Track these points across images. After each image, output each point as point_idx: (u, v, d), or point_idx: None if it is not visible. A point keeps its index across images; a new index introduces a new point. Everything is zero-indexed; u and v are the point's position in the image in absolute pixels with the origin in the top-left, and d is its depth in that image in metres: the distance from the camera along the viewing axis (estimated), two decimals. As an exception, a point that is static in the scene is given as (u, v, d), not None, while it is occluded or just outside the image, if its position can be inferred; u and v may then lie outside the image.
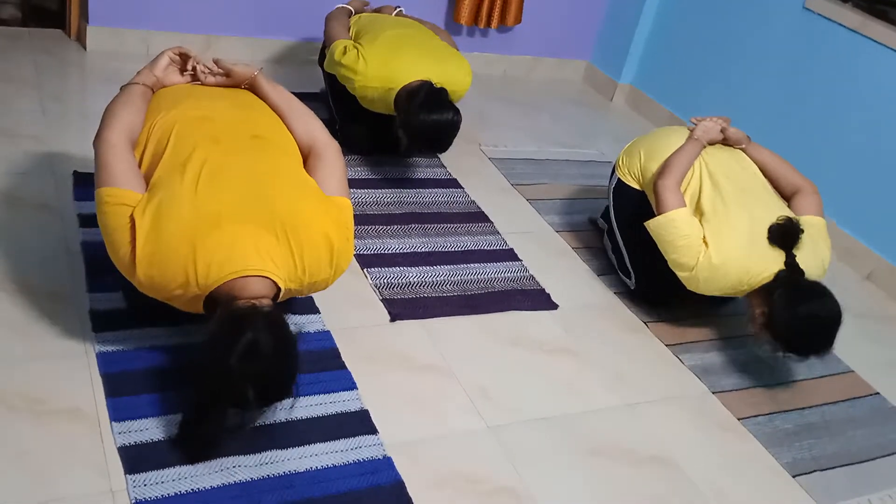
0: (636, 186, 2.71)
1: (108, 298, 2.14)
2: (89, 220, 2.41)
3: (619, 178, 2.77)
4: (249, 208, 1.80)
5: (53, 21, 3.63)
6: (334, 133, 3.16)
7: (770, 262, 2.39)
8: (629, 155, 2.75)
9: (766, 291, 2.39)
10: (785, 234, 2.41)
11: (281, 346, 1.68)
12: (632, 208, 2.71)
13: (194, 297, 1.78)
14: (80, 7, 3.52)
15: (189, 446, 1.78)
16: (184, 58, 2.18)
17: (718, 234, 2.41)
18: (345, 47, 2.92)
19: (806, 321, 2.31)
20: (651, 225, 2.50)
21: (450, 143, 2.87)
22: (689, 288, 2.48)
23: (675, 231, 2.43)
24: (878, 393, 2.59)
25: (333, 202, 1.92)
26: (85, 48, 3.49)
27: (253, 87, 2.19)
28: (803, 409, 2.44)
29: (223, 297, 1.73)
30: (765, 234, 2.42)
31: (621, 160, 2.78)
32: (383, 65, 2.86)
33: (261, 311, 1.69)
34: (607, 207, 2.83)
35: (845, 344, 2.77)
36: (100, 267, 2.22)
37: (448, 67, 2.96)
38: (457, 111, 2.82)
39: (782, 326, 2.33)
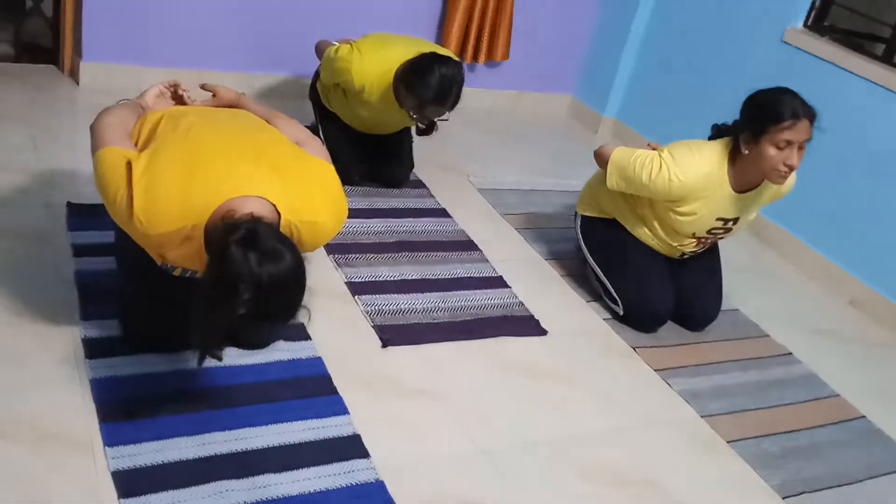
0: (595, 214, 2.82)
1: (102, 326, 2.15)
2: (83, 250, 2.43)
3: (581, 216, 2.87)
4: (242, 147, 1.85)
5: (46, 57, 3.68)
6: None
7: None
8: (586, 192, 2.88)
9: None
10: None
11: (291, 250, 1.63)
12: (598, 234, 2.82)
13: (193, 235, 1.72)
14: (73, 43, 3.57)
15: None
16: (174, 88, 2.22)
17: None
18: (337, 47, 2.98)
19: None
20: (612, 168, 2.61)
21: (459, 96, 2.86)
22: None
23: (625, 159, 2.59)
24: (864, 416, 2.62)
25: (317, 159, 1.96)
26: (77, 83, 3.53)
27: (238, 107, 2.24)
28: (791, 431, 2.47)
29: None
30: None
31: (580, 201, 2.90)
32: (378, 48, 2.92)
33: (265, 219, 1.65)
34: (578, 248, 2.90)
35: (831, 369, 2.82)
36: (93, 295, 2.25)
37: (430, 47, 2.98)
38: (459, 63, 2.88)
39: None
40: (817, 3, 3.53)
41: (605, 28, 4.40)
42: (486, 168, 3.71)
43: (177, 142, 1.84)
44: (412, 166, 3.37)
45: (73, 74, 3.58)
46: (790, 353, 2.86)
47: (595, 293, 2.88)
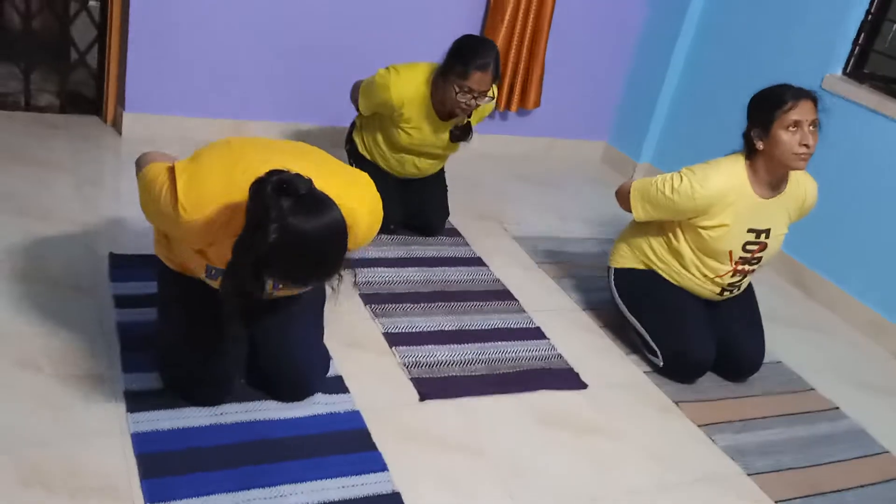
0: (629, 266, 2.80)
1: (144, 379, 2.16)
2: (125, 302, 2.45)
3: (614, 269, 2.85)
4: (283, 148, 2.00)
5: (90, 108, 3.76)
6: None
7: None
8: (617, 246, 2.87)
9: None
10: None
11: (328, 207, 1.67)
12: (633, 285, 2.80)
13: (236, 215, 1.73)
14: (116, 94, 3.65)
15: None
16: None
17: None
18: (374, 76, 3.09)
19: None
20: (636, 196, 2.67)
21: (499, 62, 2.95)
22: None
23: (645, 185, 2.64)
24: (915, 474, 2.54)
25: (357, 170, 2.13)
26: (120, 134, 3.60)
27: None
28: (839, 491, 2.40)
29: None
30: None
31: (612, 255, 2.88)
32: (412, 66, 3.04)
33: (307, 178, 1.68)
34: (614, 302, 2.87)
35: (880, 424, 2.74)
36: (135, 347, 2.26)
37: None
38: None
39: None
40: (856, 51, 3.51)
41: (639, 75, 4.41)
42: (521, 216, 3.71)
43: (218, 145, 1.95)
44: (447, 214, 3.38)
45: (116, 125, 3.66)
46: (837, 408, 2.79)
47: (634, 345, 2.84)
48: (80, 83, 3.80)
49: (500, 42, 3.95)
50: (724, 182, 2.54)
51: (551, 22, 4.05)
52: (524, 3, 3.94)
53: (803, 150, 2.45)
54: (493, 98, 2.99)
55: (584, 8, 4.19)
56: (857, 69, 3.54)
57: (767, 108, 2.48)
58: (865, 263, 3.37)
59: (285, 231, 1.61)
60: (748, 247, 2.63)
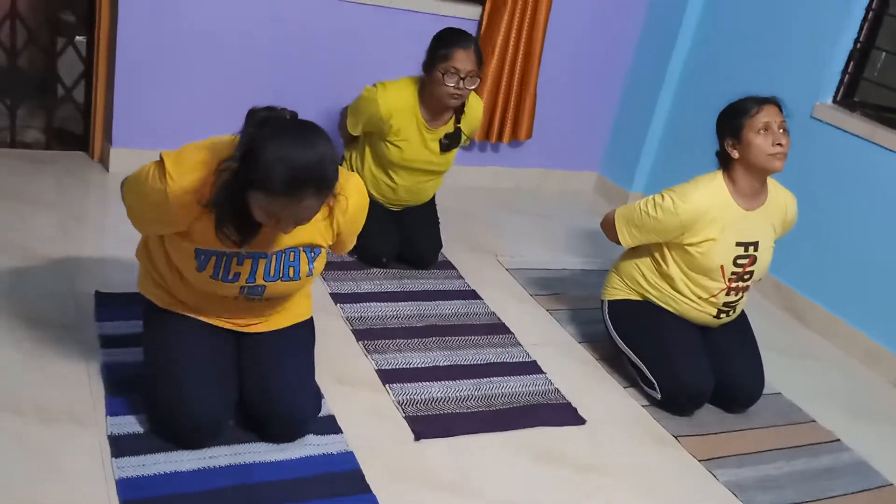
0: (623, 297, 2.79)
1: (128, 422, 2.09)
2: (111, 341, 2.39)
3: (608, 301, 2.83)
4: None
5: (77, 144, 3.72)
6: (353, 250, 3.21)
7: None
8: (609, 278, 2.86)
9: None
10: None
11: (316, 133, 1.79)
12: (627, 317, 2.78)
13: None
14: (103, 130, 3.61)
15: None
16: None
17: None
18: (361, 93, 3.14)
19: None
20: (621, 223, 2.71)
21: (478, 43, 3.08)
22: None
23: (628, 210, 2.70)
24: (920, 506, 2.49)
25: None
26: (107, 169, 3.56)
27: None
28: (845, 525, 2.35)
29: None
30: None
31: (605, 288, 2.87)
32: (396, 81, 3.10)
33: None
34: (608, 335, 2.84)
35: (882, 455, 2.69)
36: (120, 390, 2.20)
37: None
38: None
39: None
40: (846, 79, 3.51)
41: (629, 104, 4.41)
42: (515, 248, 3.67)
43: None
44: (440, 246, 3.34)
45: (103, 160, 3.62)
46: (838, 440, 2.75)
47: (631, 378, 2.80)
48: (67, 119, 3.76)
49: (490, 72, 3.94)
50: (704, 195, 2.59)
51: (542, 52, 4.05)
52: (514, 33, 3.94)
53: (777, 149, 2.52)
54: (479, 80, 3.03)
55: (574, 38, 4.19)
56: (847, 97, 3.54)
57: (735, 116, 2.58)
58: (861, 291, 3.35)
59: (273, 137, 1.73)
60: (738, 261, 2.62)
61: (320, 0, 3.60)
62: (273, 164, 1.71)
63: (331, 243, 2.12)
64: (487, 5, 3.90)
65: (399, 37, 3.78)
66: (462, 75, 2.95)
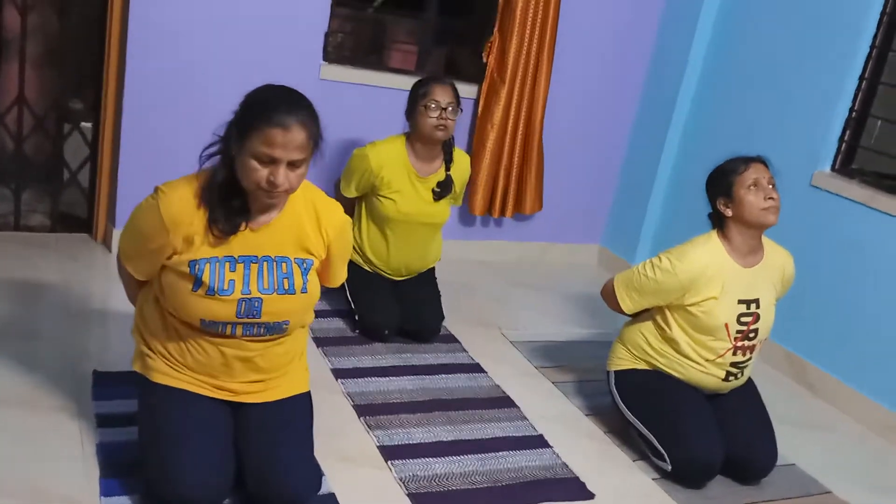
0: (628, 367, 2.75)
1: (122, 503, 2.03)
2: (107, 421, 2.35)
3: (614, 373, 2.79)
4: None
5: (80, 227, 3.75)
6: (354, 324, 3.21)
7: None
8: (613, 349, 2.84)
9: None
10: None
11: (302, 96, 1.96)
12: (633, 387, 2.74)
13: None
14: (107, 211, 3.64)
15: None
16: None
17: None
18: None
19: None
20: (620, 288, 2.73)
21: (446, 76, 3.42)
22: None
23: (627, 274, 2.72)
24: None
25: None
26: (110, 251, 3.57)
27: None
28: None
29: None
30: None
31: (610, 359, 2.84)
32: (384, 139, 3.26)
33: None
34: (616, 408, 2.79)
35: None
36: (115, 471, 2.15)
37: None
38: None
39: None
40: (843, 147, 3.54)
41: (630, 177, 4.44)
42: (518, 320, 3.64)
43: None
44: (442, 318, 3.31)
45: (107, 241, 3.63)
46: (857, 511, 2.65)
47: (640, 451, 2.72)
48: (72, 204, 3.80)
49: (490, 147, 3.99)
50: (701, 254, 2.62)
51: (542, 128, 4.10)
52: (514, 110, 4.00)
53: (770, 203, 2.55)
54: (460, 111, 3.20)
55: (573, 113, 4.26)
56: (845, 165, 3.56)
57: (724, 176, 2.63)
58: (875, 360, 3.28)
59: (257, 89, 1.94)
60: (742, 319, 2.60)
61: (310, 81, 3.66)
62: (259, 99, 1.90)
63: (322, 257, 2.12)
64: (485, 84, 3.97)
65: (396, 115, 3.84)
66: (443, 105, 3.10)
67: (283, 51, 3.59)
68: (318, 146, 1.97)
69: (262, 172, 1.89)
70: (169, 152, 3.52)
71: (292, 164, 1.91)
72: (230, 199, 1.97)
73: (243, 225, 2.00)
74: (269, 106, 1.88)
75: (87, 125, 3.74)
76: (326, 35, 3.68)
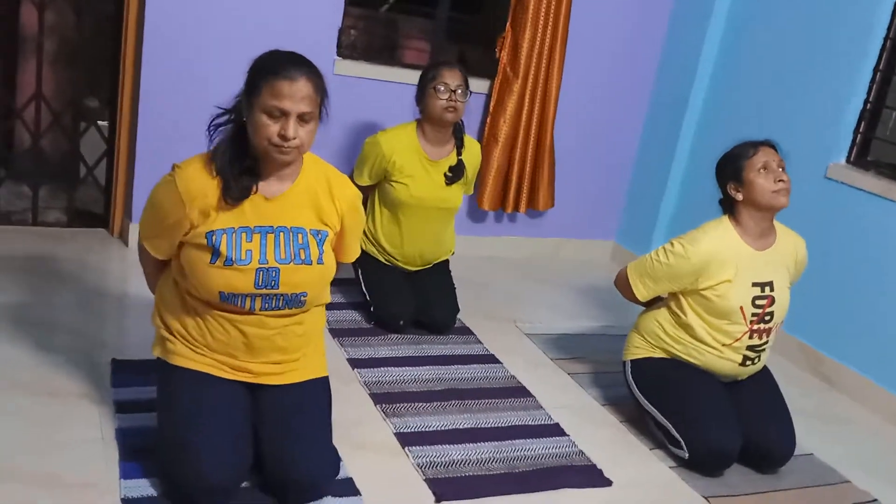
0: (644, 355, 2.75)
1: (142, 486, 2.05)
2: (126, 407, 2.37)
3: (630, 361, 2.79)
4: None
5: (97, 222, 3.77)
6: (370, 316, 3.22)
7: None
8: (629, 339, 2.84)
9: None
10: None
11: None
12: (649, 375, 2.73)
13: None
14: (123, 206, 3.67)
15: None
16: None
17: None
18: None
19: None
20: (634, 276, 2.75)
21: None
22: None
23: (640, 262, 2.74)
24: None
25: None
26: (127, 244, 3.60)
27: None
28: (891, 588, 2.22)
29: None
30: None
31: (626, 349, 2.84)
32: (395, 126, 3.30)
33: None
34: (632, 396, 2.79)
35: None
36: (134, 454, 2.16)
37: None
38: None
39: None
40: (858, 140, 3.53)
41: (644, 172, 4.44)
42: (533, 314, 3.64)
43: None
44: (457, 310, 3.32)
45: (123, 236, 3.66)
46: (875, 500, 2.64)
47: (657, 440, 2.72)
48: (88, 200, 3.83)
49: (502, 142, 4.00)
50: (713, 238, 2.63)
51: (555, 123, 4.11)
52: (527, 105, 4.00)
53: (780, 185, 2.56)
54: (470, 93, 3.23)
55: (586, 108, 4.26)
56: (861, 157, 3.55)
57: (734, 160, 2.64)
58: (887, 351, 3.27)
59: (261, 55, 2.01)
60: (757, 301, 2.60)
61: (324, 75, 3.68)
62: (264, 58, 1.98)
63: (337, 229, 2.14)
64: (497, 79, 3.98)
65: (408, 108, 3.86)
66: (453, 87, 3.13)
67: (297, 46, 3.56)
68: (324, 104, 2.03)
69: (273, 127, 1.94)
70: (184, 148, 3.53)
71: (302, 119, 1.95)
72: (241, 162, 2.00)
73: (254, 188, 2.02)
74: (275, 61, 1.97)
75: (103, 123, 3.77)
76: (340, 31, 3.70)
